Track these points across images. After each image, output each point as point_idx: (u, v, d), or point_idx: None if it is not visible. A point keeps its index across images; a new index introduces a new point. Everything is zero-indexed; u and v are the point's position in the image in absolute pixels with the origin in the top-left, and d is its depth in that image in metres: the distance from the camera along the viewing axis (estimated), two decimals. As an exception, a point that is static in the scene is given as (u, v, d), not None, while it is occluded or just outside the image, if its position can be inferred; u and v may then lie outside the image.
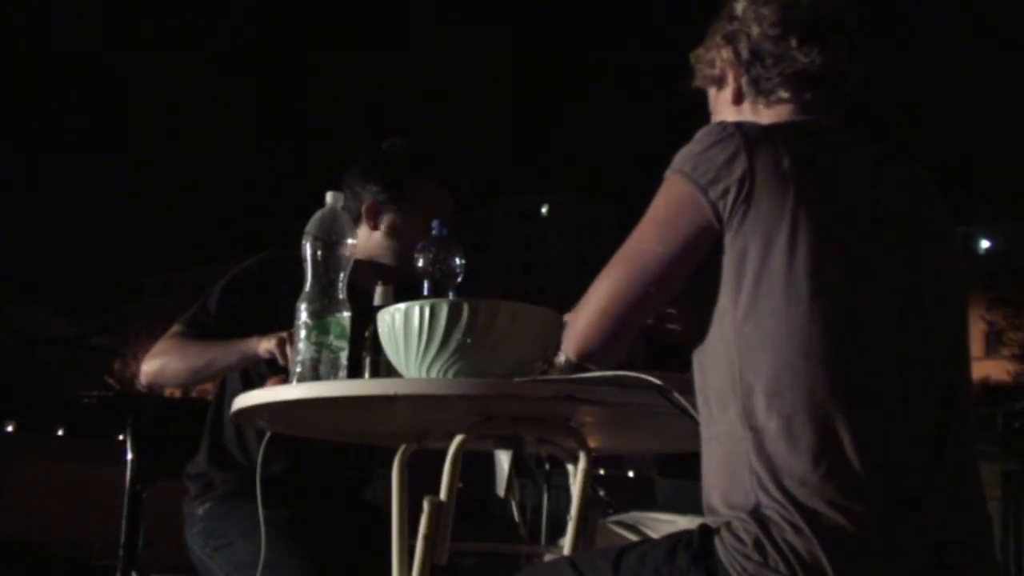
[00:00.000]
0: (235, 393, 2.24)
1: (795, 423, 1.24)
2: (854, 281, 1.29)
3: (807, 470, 1.22)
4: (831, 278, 1.27)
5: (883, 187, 1.40)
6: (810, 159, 1.33)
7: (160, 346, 2.22)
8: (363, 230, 2.25)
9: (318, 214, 1.74)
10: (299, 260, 2.31)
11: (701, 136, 1.36)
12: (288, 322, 2.08)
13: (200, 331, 2.21)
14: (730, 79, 1.52)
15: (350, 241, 1.72)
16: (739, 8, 1.49)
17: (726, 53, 1.51)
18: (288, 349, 1.92)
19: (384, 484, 1.76)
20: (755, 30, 1.47)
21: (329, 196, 1.77)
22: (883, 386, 1.27)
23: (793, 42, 1.44)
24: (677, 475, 2.38)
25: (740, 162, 1.31)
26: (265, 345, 2.01)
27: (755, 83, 1.48)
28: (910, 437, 1.27)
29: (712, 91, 1.56)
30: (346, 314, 1.67)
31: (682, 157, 1.36)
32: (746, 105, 1.50)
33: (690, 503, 2.15)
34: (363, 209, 2.28)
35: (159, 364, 2.19)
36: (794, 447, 1.23)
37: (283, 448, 1.89)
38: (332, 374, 1.64)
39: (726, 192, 1.31)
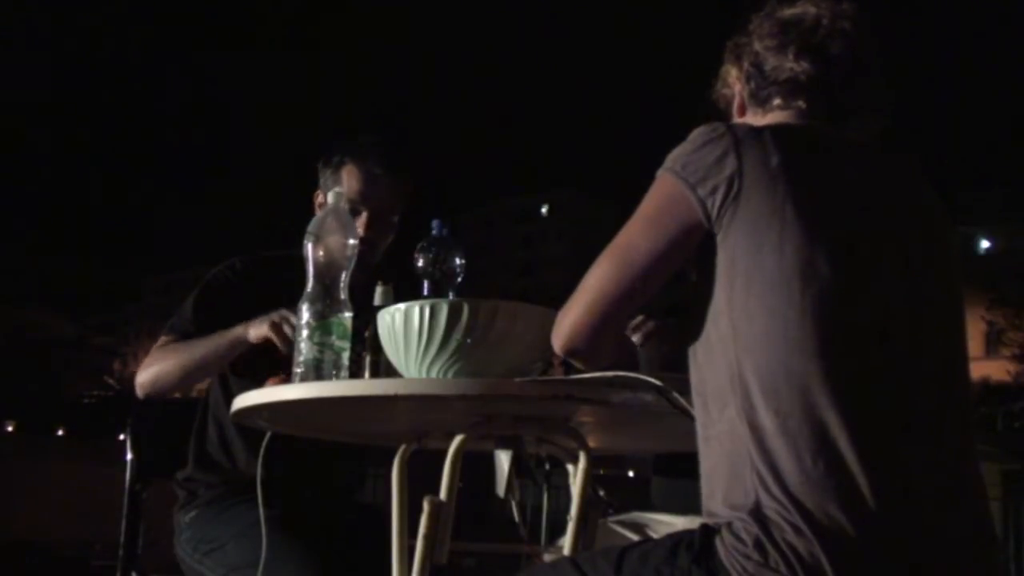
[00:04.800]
0: (219, 401, 2.25)
1: (791, 421, 1.24)
2: (846, 277, 1.29)
3: (805, 468, 1.22)
4: (822, 275, 1.28)
5: (875, 184, 1.41)
6: (799, 157, 1.34)
7: (149, 358, 2.23)
8: None
9: (320, 214, 1.75)
10: (270, 263, 2.34)
11: (693, 136, 1.38)
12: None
13: (185, 337, 2.22)
14: (736, 91, 1.55)
15: (351, 241, 1.72)
16: (751, 24, 1.53)
17: (734, 69, 1.55)
18: (287, 328, 1.92)
19: (383, 484, 1.76)
20: (758, 44, 1.50)
21: (330, 196, 1.77)
22: (877, 383, 1.27)
23: (790, 54, 1.47)
24: (672, 474, 2.38)
25: (729, 161, 1.32)
26: (256, 332, 2.01)
27: (754, 94, 1.52)
28: (907, 435, 1.27)
29: (731, 108, 1.59)
30: (348, 314, 1.67)
31: (673, 156, 1.38)
32: (748, 115, 1.54)
33: (685, 502, 2.16)
34: (316, 202, 2.32)
35: (152, 373, 2.20)
36: (792, 445, 1.23)
37: (274, 449, 1.89)
38: (334, 374, 1.64)
39: (715, 191, 1.32)
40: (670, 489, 2.34)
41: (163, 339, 2.25)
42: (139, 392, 2.22)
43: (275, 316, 1.96)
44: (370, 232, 2.24)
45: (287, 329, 1.93)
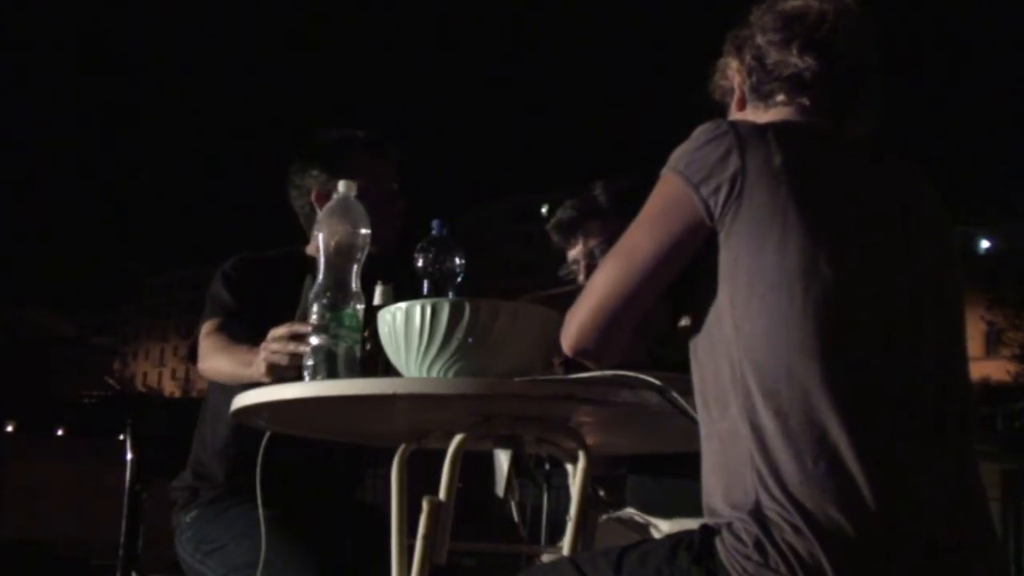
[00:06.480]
0: (218, 408, 2.22)
1: (791, 421, 1.24)
2: (847, 278, 1.29)
3: (806, 469, 1.22)
4: (824, 275, 1.28)
5: (876, 184, 1.41)
6: (802, 157, 1.33)
7: (201, 347, 2.17)
8: None
9: (330, 204, 1.72)
10: (273, 260, 2.33)
11: (696, 134, 1.37)
12: (274, 318, 2.05)
13: (229, 317, 2.18)
14: (736, 84, 1.54)
15: (364, 231, 1.70)
16: (752, 16, 1.52)
17: (735, 61, 1.53)
18: (284, 348, 1.78)
19: (383, 484, 1.76)
20: (760, 38, 1.49)
21: (341, 185, 1.74)
22: (878, 383, 1.27)
23: (794, 49, 1.45)
24: (649, 472, 2.37)
25: (732, 160, 1.31)
26: (257, 372, 1.84)
27: (756, 88, 1.50)
28: (907, 435, 1.27)
29: (728, 99, 1.57)
30: (360, 306, 1.66)
31: (677, 155, 1.37)
32: (748, 110, 1.52)
33: (658, 502, 2.15)
34: (312, 199, 2.29)
35: (203, 370, 2.16)
36: (792, 445, 1.23)
37: (274, 449, 1.88)
38: (348, 366, 1.63)
39: (718, 189, 1.31)
40: (646, 489, 2.32)
41: (208, 325, 2.18)
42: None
43: (266, 348, 1.81)
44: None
45: (286, 348, 1.78)
